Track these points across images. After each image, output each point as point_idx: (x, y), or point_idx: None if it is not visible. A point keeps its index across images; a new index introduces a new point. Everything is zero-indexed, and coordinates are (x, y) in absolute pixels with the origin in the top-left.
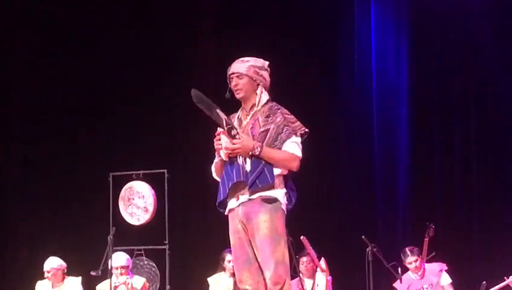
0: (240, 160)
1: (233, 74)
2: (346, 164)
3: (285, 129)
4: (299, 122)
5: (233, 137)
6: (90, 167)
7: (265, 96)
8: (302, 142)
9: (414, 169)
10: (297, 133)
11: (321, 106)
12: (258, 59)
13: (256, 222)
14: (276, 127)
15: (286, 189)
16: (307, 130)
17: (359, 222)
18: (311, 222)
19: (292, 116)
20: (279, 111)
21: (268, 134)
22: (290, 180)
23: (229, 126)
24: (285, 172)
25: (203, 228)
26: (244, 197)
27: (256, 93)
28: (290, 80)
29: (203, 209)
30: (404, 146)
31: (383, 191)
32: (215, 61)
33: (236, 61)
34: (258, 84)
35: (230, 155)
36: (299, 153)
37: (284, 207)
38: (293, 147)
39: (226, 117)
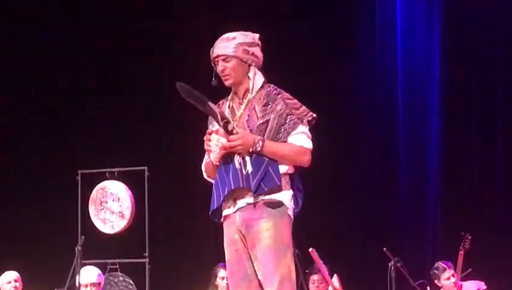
0: (237, 160)
1: (217, 56)
2: (364, 161)
3: (288, 119)
4: (304, 107)
5: (231, 132)
6: (53, 163)
7: (259, 79)
8: (310, 130)
9: (447, 170)
10: (304, 121)
11: (333, 91)
12: (246, 33)
13: (257, 230)
14: (278, 116)
15: (293, 190)
16: (314, 115)
17: (380, 232)
18: (321, 230)
19: (295, 100)
20: (279, 96)
21: (269, 126)
22: (297, 178)
23: (225, 120)
24: (292, 170)
25: (190, 238)
26: (242, 201)
27: (249, 77)
28: (297, 60)
29: (191, 214)
30: (435, 142)
31: (410, 196)
32: (199, 46)
33: (219, 39)
34: (250, 65)
35: (226, 154)
36: (309, 145)
37: (290, 212)
38: (301, 138)
39: (220, 110)
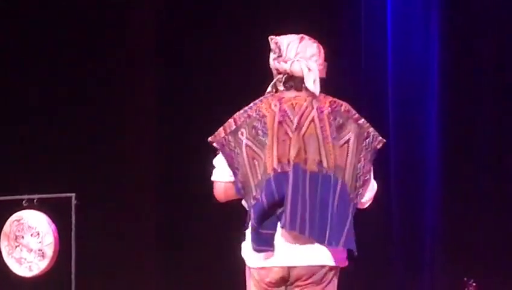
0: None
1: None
2: None
3: None
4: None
5: None
6: None
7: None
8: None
9: (447, 195)
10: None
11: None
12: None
13: None
14: None
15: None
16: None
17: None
18: None
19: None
20: None
21: None
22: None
23: None
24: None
25: (131, 281)
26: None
27: None
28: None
29: (129, 251)
30: (433, 160)
31: (401, 230)
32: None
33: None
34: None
35: None
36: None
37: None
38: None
39: None
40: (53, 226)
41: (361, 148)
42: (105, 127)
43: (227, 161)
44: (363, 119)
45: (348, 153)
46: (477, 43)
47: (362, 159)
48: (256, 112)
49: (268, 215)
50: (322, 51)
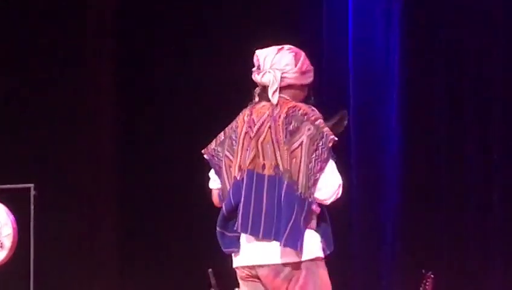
0: None
1: None
2: None
3: None
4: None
5: None
6: None
7: None
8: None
9: (408, 189)
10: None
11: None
12: None
13: None
14: None
15: None
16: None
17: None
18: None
19: None
20: None
21: None
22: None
23: None
24: None
25: (90, 272)
26: None
27: None
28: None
29: (88, 242)
30: (394, 157)
31: (361, 225)
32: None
33: None
34: None
35: None
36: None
37: None
38: None
39: None
40: (12, 217)
41: (315, 148)
42: (65, 118)
43: (215, 170)
44: (320, 120)
45: (301, 154)
46: (438, 36)
47: (313, 159)
48: (235, 123)
49: (228, 219)
50: (302, 59)
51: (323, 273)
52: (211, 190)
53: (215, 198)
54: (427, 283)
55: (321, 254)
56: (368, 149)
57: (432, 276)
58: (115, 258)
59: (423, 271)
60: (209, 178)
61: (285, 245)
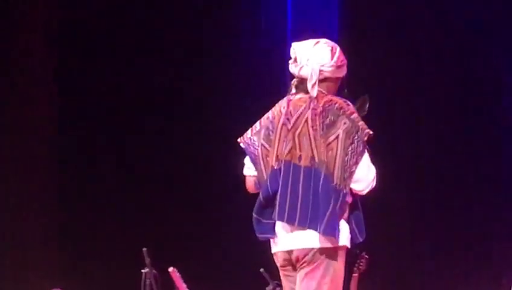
0: None
1: None
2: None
3: None
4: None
5: None
6: None
7: None
8: None
9: None
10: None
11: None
12: None
13: None
14: None
15: None
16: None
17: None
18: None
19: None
20: None
21: None
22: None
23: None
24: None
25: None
26: None
27: None
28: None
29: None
30: None
31: None
32: None
33: None
34: None
35: None
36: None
37: None
38: None
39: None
40: None
41: (351, 142)
42: (5, 119)
43: (251, 158)
44: (355, 114)
45: (337, 147)
46: (376, 24)
47: (349, 152)
48: (271, 114)
49: (265, 207)
50: (338, 52)
51: (341, 262)
52: (245, 176)
53: (250, 185)
54: (361, 263)
55: (347, 244)
56: None
57: (366, 256)
58: (58, 255)
59: (357, 251)
60: (243, 165)
61: (324, 233)
